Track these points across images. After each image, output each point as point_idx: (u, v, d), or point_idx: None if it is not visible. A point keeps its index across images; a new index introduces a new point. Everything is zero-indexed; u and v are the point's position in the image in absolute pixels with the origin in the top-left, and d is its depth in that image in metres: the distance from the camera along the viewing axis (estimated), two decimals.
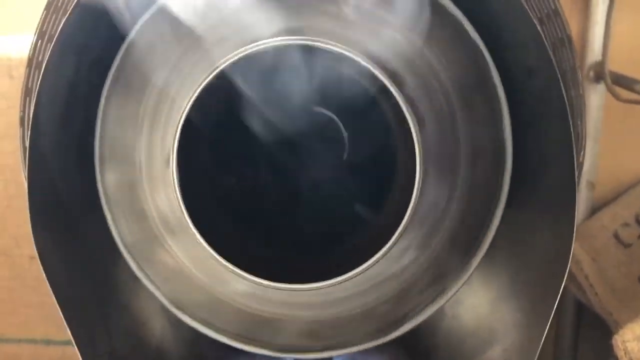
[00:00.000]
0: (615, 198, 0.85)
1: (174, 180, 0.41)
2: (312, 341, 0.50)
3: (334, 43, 0.39)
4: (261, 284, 0.45)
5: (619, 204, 0.84)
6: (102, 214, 0.48)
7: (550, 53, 0.38)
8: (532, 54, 0.41)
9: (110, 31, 0.46)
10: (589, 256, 0.83)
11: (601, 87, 0.80)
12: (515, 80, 0.43)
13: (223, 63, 0.39)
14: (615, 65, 0.77)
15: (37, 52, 0.45)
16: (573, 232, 0.41)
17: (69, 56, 0.43)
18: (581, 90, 0.44)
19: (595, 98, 0.81)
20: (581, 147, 0.45)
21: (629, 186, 0.84)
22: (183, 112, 0.40)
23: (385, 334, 0.50)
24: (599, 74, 0.79)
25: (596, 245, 0.83)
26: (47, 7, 0.45)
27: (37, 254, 0.42)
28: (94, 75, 0.46)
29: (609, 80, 0.77)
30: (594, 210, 0.85)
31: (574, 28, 0.79)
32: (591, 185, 0.84)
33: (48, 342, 0.82)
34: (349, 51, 0.39)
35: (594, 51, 0.79)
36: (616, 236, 0.83)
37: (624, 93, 0.77)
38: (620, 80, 0.76)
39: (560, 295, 0.82)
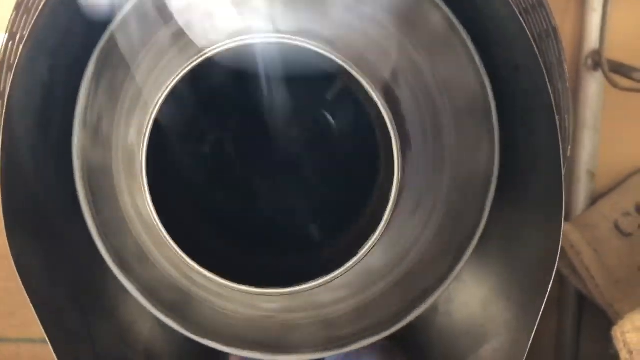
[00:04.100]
0: (615, 187, 0.84)
1: (144, 187, 0.40)
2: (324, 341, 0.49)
3: (321, 45, 0.38)
4: (261, 293, 0.44)
5: (619, 193, 0.83)
6: (82, 218, 0.47)
7: (535, 48, 0.37)
8: (517, 49, 0.40)
9: (88, 30, 0.44)
10: (590, 247, 0.82)
11: (599, 75, 0.78)
12: (503, 77, 0.43)
13: (187, 66, 0.38)
14: (613, 53, 0.76)
15: (7, 54, 0.43)
16: (560, 230, 0.40)
17: (41, 58, 0.42)
18: (567, 83, 0.43)
19: (594, 86, 0.79)
20: (568, 141, 0.44)
21: (629, 175, 0.83)
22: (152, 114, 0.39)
23: (384, 329, 0.49)
24: (597, 62, 0.78)
25: (597, 236, 0.82)
26: (17, 7, 0.43)
27: (13, 261, 0.41)
28: (72, 78, 0.45)
29: (606, 68, 0.76)
30: (595, 200, 0.84)
31: (570, 15, 0.78)
32: (591, 175, 0.83)
33: (46, 341, 0.82)
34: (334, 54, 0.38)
35: (592, 39, 0.77)
36: (617, 226, 0.82)
37: (623, 81, 0.75)
38: (618, 69, 0.75)
39: (562, 287, 0.82)
